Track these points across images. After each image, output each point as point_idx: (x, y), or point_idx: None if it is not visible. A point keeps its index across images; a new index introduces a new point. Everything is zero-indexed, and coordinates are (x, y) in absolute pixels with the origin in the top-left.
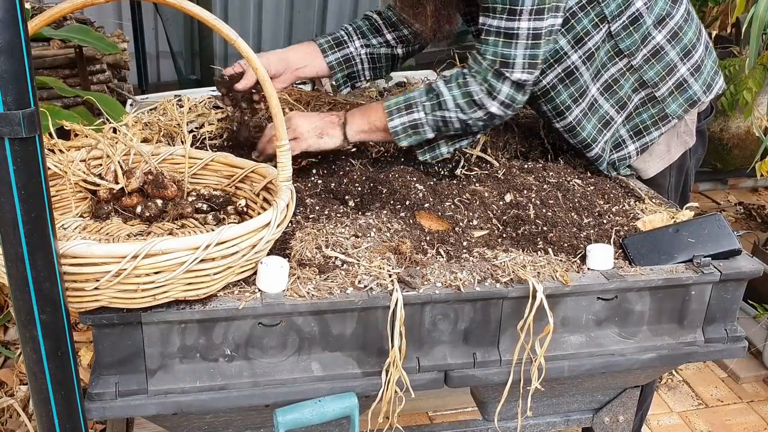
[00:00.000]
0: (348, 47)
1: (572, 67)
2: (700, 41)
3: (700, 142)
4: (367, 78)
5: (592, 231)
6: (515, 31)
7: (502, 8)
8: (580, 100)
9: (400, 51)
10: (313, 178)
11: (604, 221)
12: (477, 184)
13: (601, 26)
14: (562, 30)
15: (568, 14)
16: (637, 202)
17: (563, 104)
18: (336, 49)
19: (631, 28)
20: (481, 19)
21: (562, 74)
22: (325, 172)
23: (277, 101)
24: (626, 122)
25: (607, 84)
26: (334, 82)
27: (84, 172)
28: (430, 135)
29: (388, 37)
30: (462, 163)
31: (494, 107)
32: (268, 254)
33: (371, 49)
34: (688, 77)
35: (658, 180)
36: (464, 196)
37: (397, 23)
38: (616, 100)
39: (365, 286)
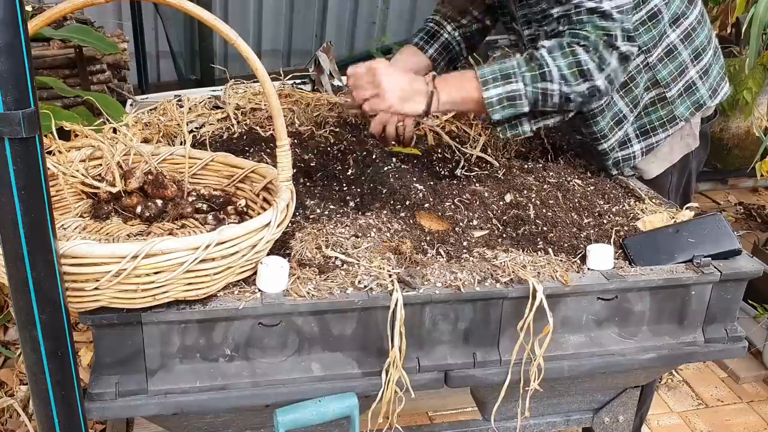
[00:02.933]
0: (442, 35)
1: None
2: (710, 45)
3: (702, 145)
4: (465, 56)
5: (592, 231)
6: (602, 10)
7: None
8: None
9: (488, 21)
10: (313, 178)
11: (604, 221)
12: (477, 184)
13: None
14: None
15: None
16: (637, 202)
17: None
18: (432, 41)
19: (649, 24)
20: (557, 10)
21: None
22: (325, 172)
23: (277, 101)
24: (635, 121)
25: (623, 83)
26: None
27: (83, 174)
28: (526, 109)
29: (476, 12)
30: (462, 163)
31: (600, 80)
32: (268, 254)
33: (464, 29)
34: (697, 80)
35: (660, 181)
36: (464, 196)
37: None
38: (630, 99)
39: (365, 286)
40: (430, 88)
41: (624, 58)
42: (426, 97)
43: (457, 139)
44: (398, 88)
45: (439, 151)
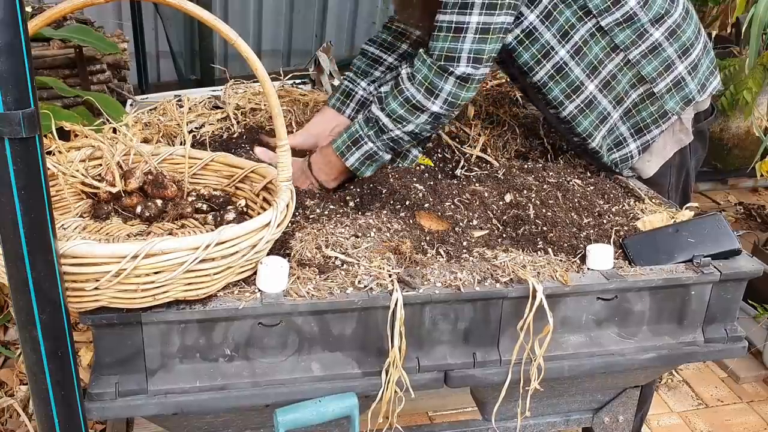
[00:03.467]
0: (357, 92)
1: (561, 62)
2: (698, 40)
3: (700, 143)
4: None
5: (592, 231)
6: (464, 25)
7: (453, 3)
8: (574, 96)
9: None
10: None
11: (604, 221)
12: (477, 184)
13: (586, 19)
14: (547, 23)
15: (550, 6)
16: (637, 202)
17: (555, 100)
18: (348, 101)
19: (624, 24)
20: (436, 17)
21: (552, 71)
22: None
23: (277, 101)
24: (626, 119)
25: (605, 81)
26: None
27: (83, 174)
28: (389, 157)
29: (390, 60)
30: (462, 163)
31: (436, 106)
32: (268, 254)
33: (379, 82)
34: (686, 75)
35: (658, 180)
36: (464, 196)
37: (394, 42)
38: (614, 96)
39: (365, 286)
40: (311, 173)
41: (462, 81)
42: (313, 179)
43: (457, 139)
44: (294, 176)
45: (439, 150)
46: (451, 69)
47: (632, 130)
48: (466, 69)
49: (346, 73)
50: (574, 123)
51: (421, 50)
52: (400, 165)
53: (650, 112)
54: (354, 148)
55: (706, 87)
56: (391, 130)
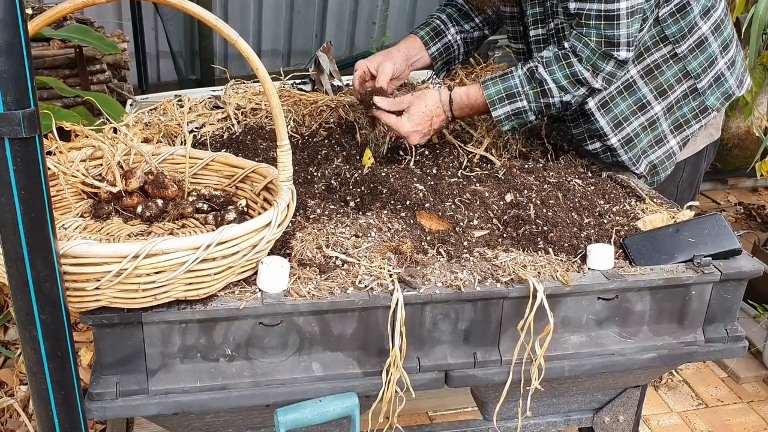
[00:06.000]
0: (446, 36)
1: None
2: (734, 37)
3: (713, 147)
4: (460, 61)
5: (592, 231)
6: (616, 12)
7: None
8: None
9: (487, 30)
10: (313, 179)
11: (605, 221)
12: (477, 184)
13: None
14: None
15: None
16: (637, 202)
17: None
18: (436, 39)
19: (677, 15)
20: (574, 5)
21: None
22: (326, 172)
23: (277, 101)
24: (668, 116)
25: (648, 68)
26: (433, 71)
27: (84, 174)
28: (532, 118)
29: (477, 20)
30: (465, 163)
31: (598, 83)
32: (269, 254)
33: (465, 34)
34: (725, 71)
35: (672, 173)
36: (464, 196)
37: (479, 6)
38: (655, 85)
39: (366, 286)
40: (448, 108)
41: (621, 63)
42: (450, 114)
43: (459, 139)
44: (421, 111)
45: (439, 151)
46: (614, 54)
47: (672, 127)
48: (627, 54)
49: (436, 13)
50: (611, 104)
51: (575, 31)
52: (506, 127)
53: (691, 108)
54: (507, 102)
55: (743, 82)
56: (552, 96)
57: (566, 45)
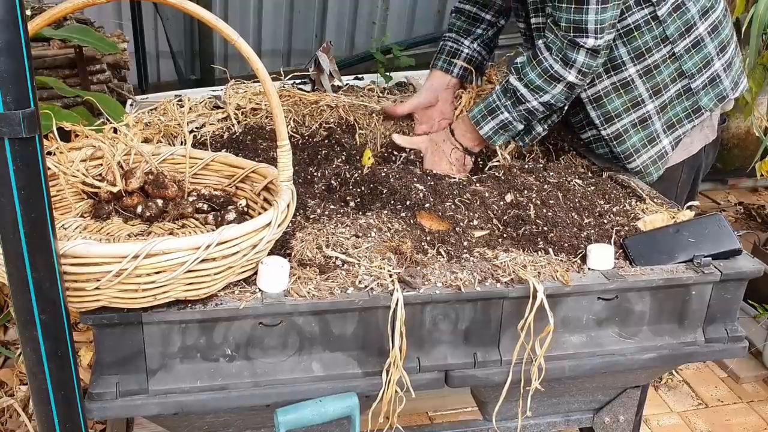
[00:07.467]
0: (462, 51)
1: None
2: (733, 38)
3: (712, 147)
4: (488, 59)
5: (592, 231)
6: None
7: None
8: (612, 73)
9: (502, 21)
10: (313, 179)
11: (605, 221)
12: (477, 184)
13: (644, 4)
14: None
15: None
16: (637, 202)
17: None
18: (454, 60)
19: (674, 15)
20: None
21: None
22: (326, 172)
23: (277, 101)
24: (661, 115)
25: (648, 68)
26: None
27: (84, 174)
28: (521, 127)
29: (488, 17)
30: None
31: (572, 76)
32: (269, 254)
33: (482, 39)
34: (721, 72)
35: (670, 174)
36: (465, 196)
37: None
38: (652, 85)
39: (366, 286)
40: (453, 138)
41: (592, 52)
42: (457, 144)
43: None
44: (432, 149)
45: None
46: (581, 42)
47: (665, 126)
48: (595, 42)
49: (446, 34)
50: (605, 99)
51: (549, 20)
52: (524, 142)
53: (684, 107)
54: (489, 118)
55: (738, 85)
56: (528, 101)
57: (539, 42)
